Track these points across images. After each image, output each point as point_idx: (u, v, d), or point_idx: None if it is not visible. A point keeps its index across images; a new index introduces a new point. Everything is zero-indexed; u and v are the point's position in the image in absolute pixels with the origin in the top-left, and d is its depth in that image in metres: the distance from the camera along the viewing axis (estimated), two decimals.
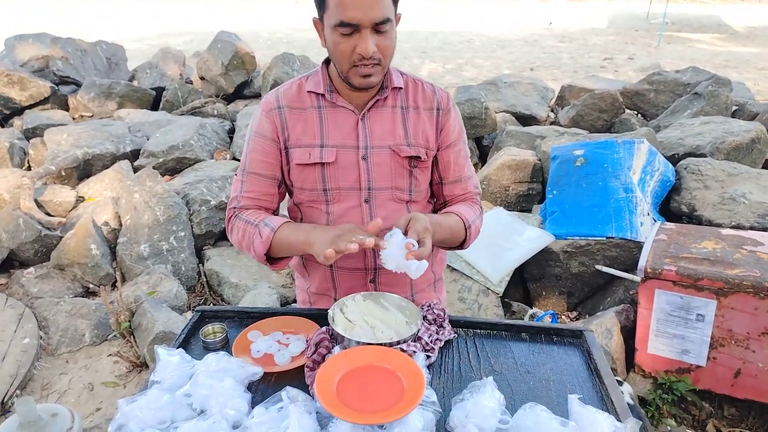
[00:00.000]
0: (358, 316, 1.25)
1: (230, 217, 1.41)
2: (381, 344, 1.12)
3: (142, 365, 2.74)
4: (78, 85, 5.94)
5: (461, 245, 1.43)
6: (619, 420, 1.02)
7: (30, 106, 5.49)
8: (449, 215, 1.38)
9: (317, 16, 1.26)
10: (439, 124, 1.40)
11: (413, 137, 1.37)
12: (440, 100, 1.40)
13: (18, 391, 2.56)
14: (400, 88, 1.38)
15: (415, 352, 1.14)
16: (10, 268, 3.56)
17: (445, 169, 1.44)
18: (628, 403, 1.80)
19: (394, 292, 1.31)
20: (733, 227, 2.90)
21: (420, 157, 1.37)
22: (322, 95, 1.35)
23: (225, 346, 1.26)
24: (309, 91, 1.36)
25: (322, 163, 1.34)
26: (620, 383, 1.93)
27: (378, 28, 1.18)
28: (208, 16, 18.32)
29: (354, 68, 1.22)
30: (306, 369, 1.14)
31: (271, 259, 1.35)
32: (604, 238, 3.00)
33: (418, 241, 1.15)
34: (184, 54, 6.86)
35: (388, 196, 1.36)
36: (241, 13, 19.81)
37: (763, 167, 3.84)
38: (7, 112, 5.38)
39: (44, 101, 5.58)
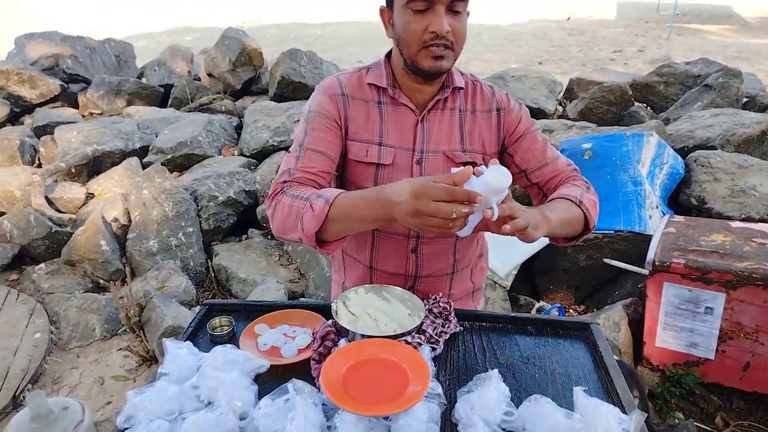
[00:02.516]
0: (361, 309, 1.25)
1: (276, 193, 1.22)
2: (385, 337, 1.13)
3: (151, 359, 2.77)
4: (87, 82, 5.98)
5: (587, 225, 1.25)
6: (624, 412, 1.02)
7: (40, 104, 5.54)
8: (553, 202, 1.24)
9: (385, 5, 1.23)
10: (502, 123, 1.35)
11: (469, 142, 1.32)
12: (500, 101, 1.36)
13: (29, 385, 2.60)
14: (461, 88, 1.33)
15: (420, 344, 1.14)
16: (21, 264, 3.60)
17: (524, 160, 1.35)
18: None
19: None
20: (742, 220, 2.88)
21: (476, 164, 1.30)
22: (384, 89, 1.30)
23: (232, 339, 1.27)
24: (369, 84, 1.31)
25: (378, 164, 1.29)
26: (621, 363, 1.93)
27: (453, 6, 1.14)
28: (215, 13, 18.36)
29: (424, 50, 1.16)
30: (312, 362, 1.15)
31: (321, 241, 1.14)
32: (613, 232, 2.98)
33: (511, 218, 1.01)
34: (191, 51, 6.87)
35: None
36: (248, 10, 19.84)
37: None
38: (18, 110, 5.43)
39: (54, 99, 5.62)
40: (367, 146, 1.29)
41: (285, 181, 1.23)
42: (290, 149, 1.30)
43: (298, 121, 5.06)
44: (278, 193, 1.22)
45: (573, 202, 1.22)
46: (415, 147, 1.30)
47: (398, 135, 1.29)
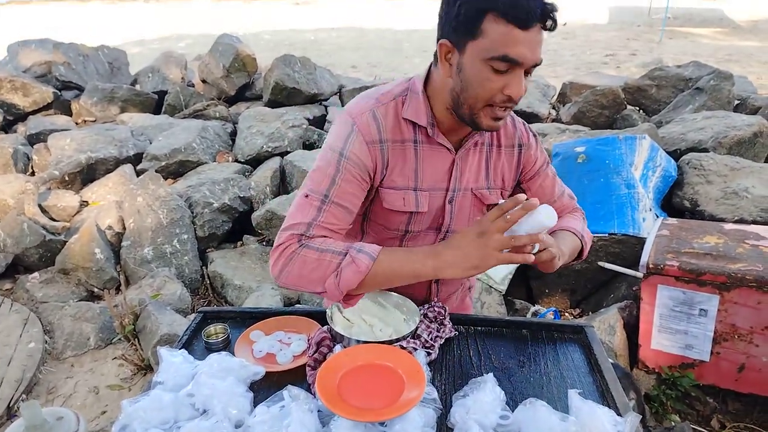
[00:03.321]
0: (356, 314, 1.26)
1: (289, 244, 1.13)
2: (381, 342, 1.13)
3: (146, 368, 2.76)
4: (80, 90, 5.97)
5: (580, 255, 1.35)
6: (619, 414, 1.02)
7: (33, 112, 5.52)
8: (562, 234, 1.29)
9: (449, 40, 1.08)
10: (521, 160, 1.33)
11: (493, 178, 1.30)
12: (521, 135, 1.31)
13: (24, 395, 2.58)
14: None
15: (415, 349, 1.15)
16: (15, 273, 3.58)
17: (537, 196, 1.32)
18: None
19: None
20: (735, 222, 2.90)
21: (498, 203, 1.32)
22: (422, 128, 1.20)
23: (227, 346, 1.27)
24: (405, 119, 1.19)
25: (413, 212, 1.24)
26: (616, 366, 1.94)
27: (530, 70, 1.08)
28: (209, 19, 18.37)
29: (489, 108, 1.09)
30: (307, 368, 1.15)
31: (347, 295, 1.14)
32: (607, 235, 2.99)
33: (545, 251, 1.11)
34: (185, 57, 6.87)
35: None
36: (242, 16, 19.86)
37: (765, 161, 3.83)
38: (11, 117, 5.41)
39: (47, 107, 5.60)
40: (403, 194, 1.21)
41: (303, 234, 1.14)
42: (308, 191, 1.16)
43: (293, 126, 4.99)
44: (295, 245, 1.13)
45: (576, 235, 1.32)
46: (449, 186, 1.25)
47: (433, 177, 1.24)
